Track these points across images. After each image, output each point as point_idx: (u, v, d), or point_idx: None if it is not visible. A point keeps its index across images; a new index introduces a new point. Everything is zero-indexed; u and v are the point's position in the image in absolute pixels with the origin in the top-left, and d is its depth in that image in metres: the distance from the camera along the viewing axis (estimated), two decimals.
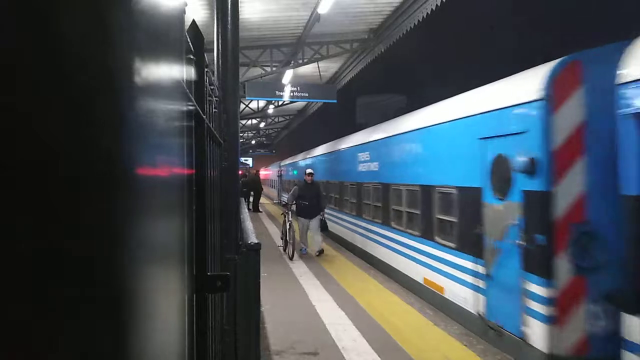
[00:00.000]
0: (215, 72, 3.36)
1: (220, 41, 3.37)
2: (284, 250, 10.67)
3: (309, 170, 10.75)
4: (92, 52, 0.44)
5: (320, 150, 16.51)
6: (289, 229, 10.41)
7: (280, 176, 28.66)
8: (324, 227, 10.54)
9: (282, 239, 11.05)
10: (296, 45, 12.19)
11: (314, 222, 10.43)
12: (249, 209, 19.03)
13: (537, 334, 4.38)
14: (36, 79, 0.38)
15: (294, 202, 10.61)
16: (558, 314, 4.23)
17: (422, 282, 7.27)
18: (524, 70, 5.28)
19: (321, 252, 10.43)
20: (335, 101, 14.13)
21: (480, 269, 5.44)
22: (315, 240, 10.49)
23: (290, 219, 10.47)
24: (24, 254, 0.37)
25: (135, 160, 0.56)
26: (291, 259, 9.94)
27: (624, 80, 3.83)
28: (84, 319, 0.42)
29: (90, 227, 0.44)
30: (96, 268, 0.44)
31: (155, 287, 0.70)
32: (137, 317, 0.56)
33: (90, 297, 0.43)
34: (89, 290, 0.43)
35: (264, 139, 38.72)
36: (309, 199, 10.39)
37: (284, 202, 11.23)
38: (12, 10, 0.36)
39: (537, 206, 4.46)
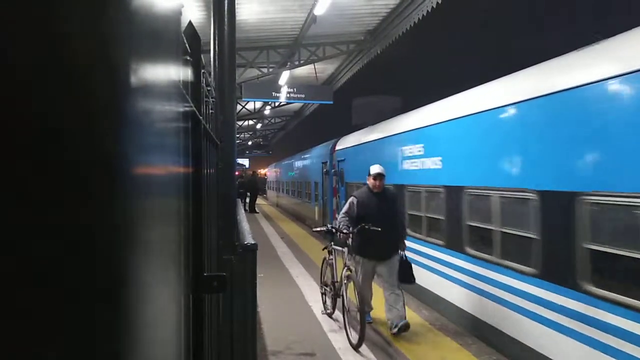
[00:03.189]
0: (212, 73, 3.36)
1: (216, 42, 3.38)
2: (330, 315, 6.02)
3: (375, 170, 5.69)
4: (89, 53, 0.45)
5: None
6: (345, 281, 5.32)
7: (336, 175, 12.80)
8: (406, 278, 5.57)
9: (322, 293, 6.36)
10: (293, 46, 12.20)
11: (390, 268, 5.50)
12: (245, 209, 19.01)
13: None
14: (32, 80, 0.39)
15: (349, 227, 5.63)
16: None
17: None
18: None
19: (406, 327, 5.24)
20: (331, 102, 14.16)
21: None
22: (396, 304, 5.37)
23: (346, 259, 5.47)
24: (18, 256, 0.37)
25: (132, 160, 0.56)
26: (356, 348, 4.91)
27: None
28: (79, 320, 0.42)
29: (86, 227, 0.44)
30: (93, 268, 0.45)
31: (154, 288, 0.70)
32: (133, 319, 0.56)
33: (86, 298, 0.43)
34: (84, 290, 0.43)
35: (260, 140, 38.65)
36: (380, 222, 5.39)
37: (329, 228, 5.98)
38: (9, 10, 0.36)
39: None
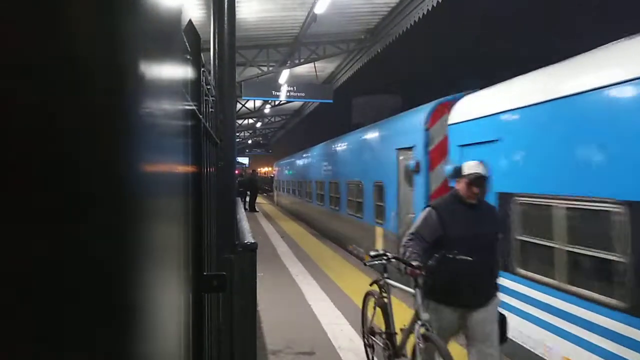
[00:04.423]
0: (212, 72, 3.36)
1: (216, 41, 3.37)
2: None
3: (472, 169, 3.53)
4: (88, 52, 0.44)
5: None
6: (420, 343, 3.28)
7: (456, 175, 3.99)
8: (500, 334, 3.51)
9: (368, 346, 4.48)
10: (293, 45, 12.19)
11: (485, 318, 3.46)
12: (245, 208, 19.01)
13: None
14: (36, 80, 0.38)
15: (418, 254, 3.49)
16: None
17: None
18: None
19: None
20: (331, 101, 14.15)
21: None
22: None
23: (419, 307, 3.42)
24: (23, 255, 0.37)
25: (133, 160, 0.56)
26: None
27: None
28: (81, 319, 0.42)
29: (91, 227, 0.44)
30: (97, 269, 0.45)
31: (156, 287, 0.70)
32: (135, 318, 0.56)
33: (88, 297, 0.43)
34: (89, 291, 0.43)
35: (260, 138, 38.70)
36: (474, 249, 3.42)
37: (385, 258, 3.99)
38: (15, 10, 0.36)
39: None
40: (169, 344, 0.87)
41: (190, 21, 1.52)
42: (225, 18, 3.36)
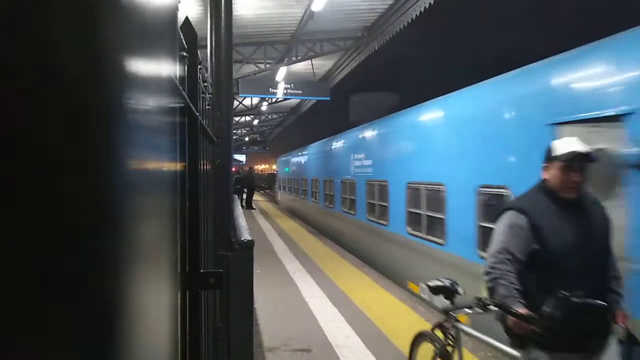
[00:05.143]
0: (209, 69, 3.35)
1: (213, 38, 3.36)
2: None
3: (568, 146, 2.40)
4: (84, 49, 0.44)
5: None
6: None
7: None
8: None
9: None
10: (290, 42, 12.18)
11: None
12: (242, 205, 19.00)
13: None
14: (24, 76, 0.38)
15: (515, 287, 2.31)
16: None
17: None
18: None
19: None
20: (328, 98, 14.14)
21: None
22: None
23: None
24: (7, 254, 0.37)
25: (128, 157, 0.56)
26: None
27: None
28: (69, 318, 0.42)
29: (79, 225, 0.44)
30: (84, 267, 0.44)
31: (148, 285, 0.70)
32: (127, 317, 0.56)
33: (78, 298, 0.43)
34: (76, 290, 0.43)
35: (257, 136, 38.67)
36: (586, 269, 2.34)
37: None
38: (5, 3, 0.36)
39: None
40: (165, 341, 0.88)
41: (187, 18, 1.52)
42: (222, 15, 3.35)
